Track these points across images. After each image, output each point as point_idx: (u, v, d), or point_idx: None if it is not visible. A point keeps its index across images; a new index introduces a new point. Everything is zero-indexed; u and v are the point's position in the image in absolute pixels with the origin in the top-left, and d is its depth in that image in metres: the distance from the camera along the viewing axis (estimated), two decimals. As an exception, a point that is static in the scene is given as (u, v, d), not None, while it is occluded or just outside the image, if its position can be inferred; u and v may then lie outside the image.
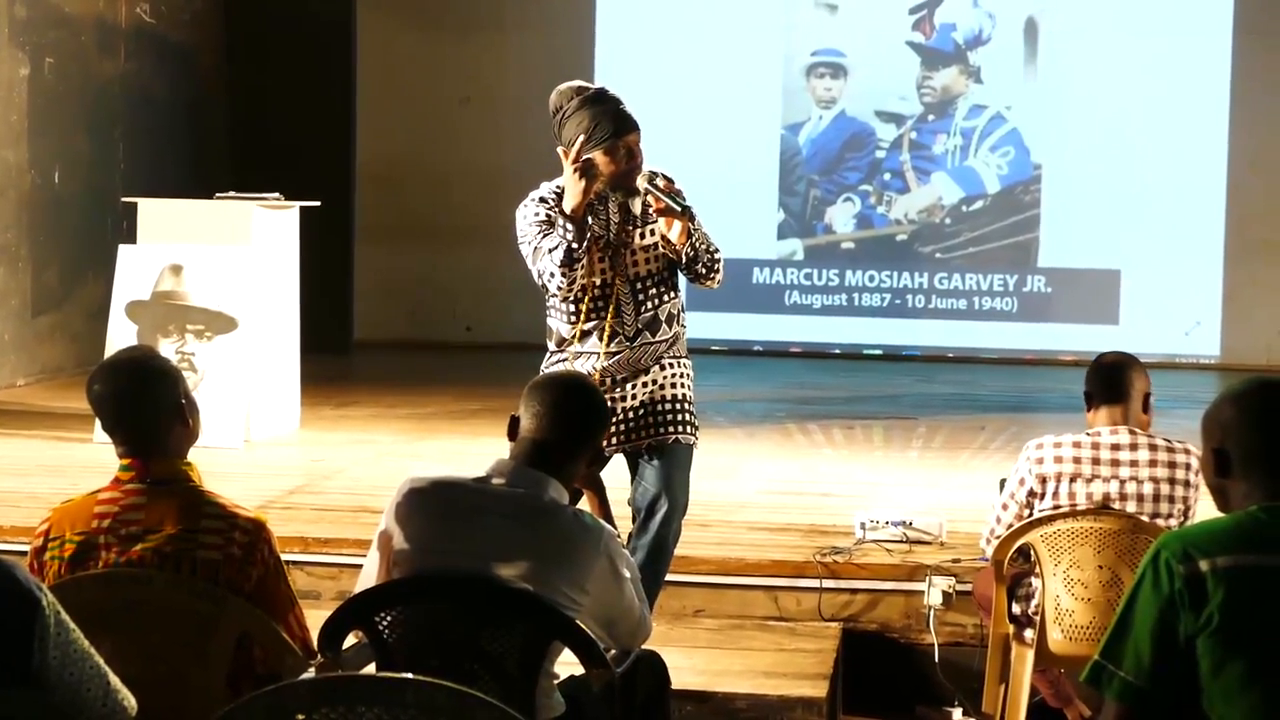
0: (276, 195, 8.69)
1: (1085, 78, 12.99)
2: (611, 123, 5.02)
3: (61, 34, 10.99)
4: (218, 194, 8.75)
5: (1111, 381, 4.86)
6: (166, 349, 7.99)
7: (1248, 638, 2.70)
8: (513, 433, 3.66)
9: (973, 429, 9.35)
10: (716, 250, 5.15)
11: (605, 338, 5.12)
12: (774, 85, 13.27)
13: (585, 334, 5.16)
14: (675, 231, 5.00)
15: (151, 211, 8.78)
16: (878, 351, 13.18)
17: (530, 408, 3.64)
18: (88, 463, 7.40)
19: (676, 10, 13.28)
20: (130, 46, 11.84)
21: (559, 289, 5.05)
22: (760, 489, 7.39)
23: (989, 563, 4.88)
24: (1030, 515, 4.80)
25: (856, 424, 9.67)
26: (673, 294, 5.21)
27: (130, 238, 8.88)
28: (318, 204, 9.19)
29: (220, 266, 8.32)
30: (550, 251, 4.98)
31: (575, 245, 4.96)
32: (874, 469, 8.13)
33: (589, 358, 5.14)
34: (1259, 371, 8.82)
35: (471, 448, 8.13)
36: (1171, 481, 4.75)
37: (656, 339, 5.16)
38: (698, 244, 5.06)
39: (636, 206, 5.09)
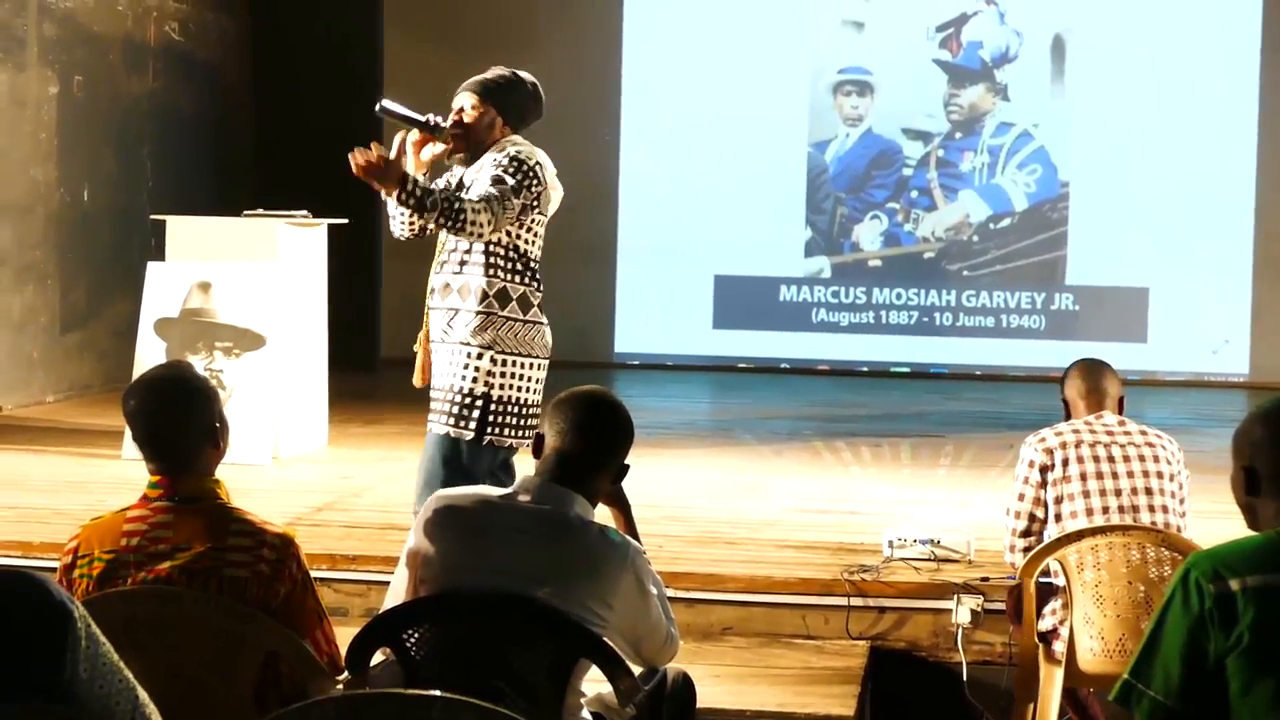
0: (304, 213, 8.72)
1: (1113, 95, 12.97)
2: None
3: (90, 52, 11.04)
4: (245, 211, 8.79)
5: (1093, 388, 5.10)
6: (195, 366, 8.00)
7: (1278, 658, 2.68)
8: (538, 450, 3.65)
9: (1000, 447, 9.30)
10: (458, 203, 5.16)
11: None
12: (801, 103, 13.27)
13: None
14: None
15: (180, 229, 8.82)
16: (905, 369, 13.17)
17: (554, 424, 3.63)
18: (115, 480, 7.42)
19: (703, 28, 13.28)
20: (158, 65, 11.89)
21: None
22: (788, 507, 7.37)
23: (1017, 579, 4.88)
24: (1045, 494, 4.95)
25: (884, 442, 9.65)
26: (485, 269, 5.27)
27: (159, 255, 8.91)
28: (345, 221, 9.21)
29: (248, 284, 8.34)
30: None
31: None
32: (902, 487, 8.11)
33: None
34: (1288, 389, 8.77)
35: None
36: (1156, 459, 4.89)
37: (444, 305, 5.32)
38: (420, 187, 5.20)
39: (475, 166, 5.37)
